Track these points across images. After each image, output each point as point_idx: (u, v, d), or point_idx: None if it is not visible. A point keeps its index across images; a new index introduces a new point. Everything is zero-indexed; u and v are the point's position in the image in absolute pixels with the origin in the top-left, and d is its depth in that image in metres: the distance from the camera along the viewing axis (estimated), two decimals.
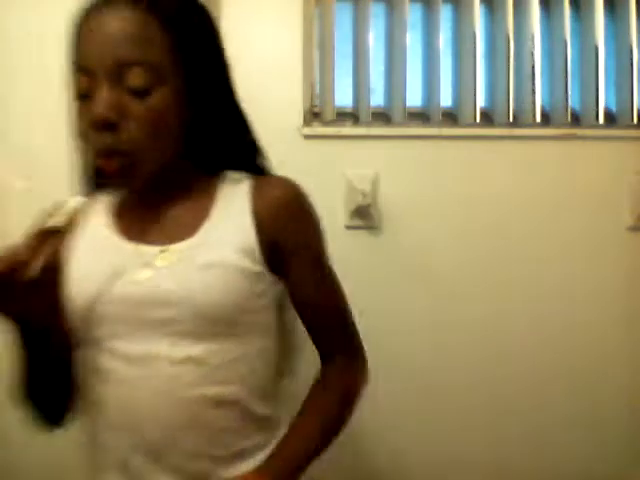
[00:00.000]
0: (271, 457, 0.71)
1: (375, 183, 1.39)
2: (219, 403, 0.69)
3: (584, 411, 1.43)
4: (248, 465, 0.71)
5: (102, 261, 0.72)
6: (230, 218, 0.73)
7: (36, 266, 0.60)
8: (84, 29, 0.68)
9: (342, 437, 1.37)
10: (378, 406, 1.39)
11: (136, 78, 0.65)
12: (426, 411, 1.41)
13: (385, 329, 1.39)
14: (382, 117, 1.46)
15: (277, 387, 0.79)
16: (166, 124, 0.68)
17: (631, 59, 1.46)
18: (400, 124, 1.42)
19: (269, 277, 0.74)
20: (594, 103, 1.45)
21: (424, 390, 1.40)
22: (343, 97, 1.45)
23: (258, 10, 1.38)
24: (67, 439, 1.28)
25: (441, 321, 1.41)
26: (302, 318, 0.80)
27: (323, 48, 1.41)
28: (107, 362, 0.70)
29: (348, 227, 1.39)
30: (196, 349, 0.68)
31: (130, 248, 0.73)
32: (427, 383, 1.40)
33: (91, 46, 0.66)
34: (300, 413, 0.76)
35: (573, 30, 1.46)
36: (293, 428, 0.74)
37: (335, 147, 1.39)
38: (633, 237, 1.44)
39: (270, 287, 0.75)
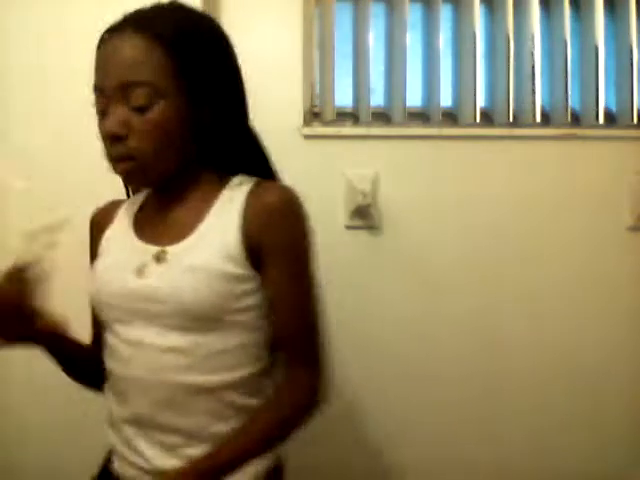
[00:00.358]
0: (203, 457, 0.75)
1: (375, 183, 1.39)
2: (197, 390, 0.76)
3: (583, 411, 1.43)
4: (205, 449, 0.77)
5: (118, 256, 0.83)
6: (221, 222, 0.78)
7: (11, 304, 0.74)
8: (100, 53, 0.77)
9: (340, 429, 1.38)
10: (384, 406, 1.39)
11: (138, 97, 0.74)
12: (427, 408, 1.41)
13: (385, 327, 1.40)
14: (382, 117, 1.46)
15: (264, 380, 0.82)
16: (167, 134, 0.76)
17: (631, 59, 1.46)
18: (400, 124, 1.42)
19: (254, 279, 0.78)
20: (594, 103, 1.45)
21: (423, 389, 1.40)
22: (343, 97, 1.45)
23: (258, 10, 1.38)
24: (64, 439, 1.28)
25: (441, 320, 1.41)
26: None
27: (323, 48, 1.41)
28: (115, 342, 0.81)
29: (348, 227, 1.39)
30: (180, 341, 0.76)
31: (140, 246, 0.81)
32: (427, 382, 1.40)
33: (103, 69, 0.76)
34: (249, 419, 0.78)
35: (573, 30, 1.46)
36: (235, 434, 0.77)
37: (335, 147, 1.39)
38: (633, 237, 1.44)
39: (257, 288, 0.79)
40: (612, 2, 1.50)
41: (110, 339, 0.82)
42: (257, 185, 0.81)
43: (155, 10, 0.78)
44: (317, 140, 1.39)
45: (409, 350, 1.40)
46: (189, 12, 0.81)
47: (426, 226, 1.41)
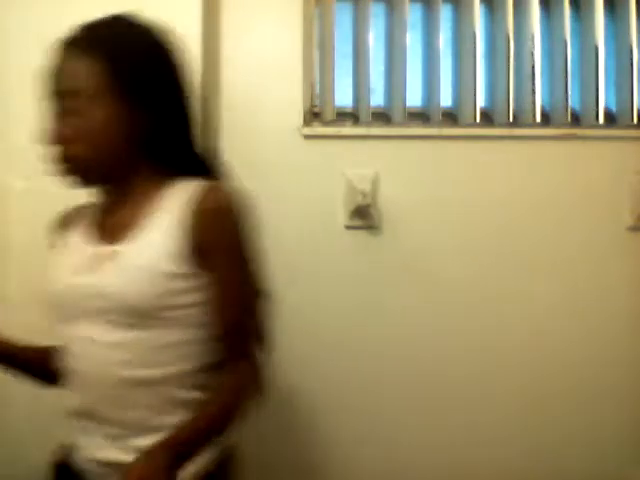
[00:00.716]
0: (157, 445, 0.77)
1: (375, 183, 1.39)
2: (140, 383, 0.80)
3: (583, 411, 1.43)
4: (151, 439, 0.79)
5: (70, 256, 0.88)
6: (164, 222, 0.82)
7: None
8: (50, 62, 0.83)
9: (339, 434, 1.38)
10: (376, 403, 1.40)
11: (72, 103, 0.80)
12: (424, 409, 1.41)
13: (383, 328, 1.40)
14: (382, 117, 1.46)
15: (211, 375, 0.85)
16: (102, 139, 0.82)
17: (631, 59, 1.46)
18: (400, 124, 1.42)
19: (197, 277, 0.82)
20: (594, 103, 1.45)
21: (423, 390, 1.40)
22: (343, 97, 1.45)
23: (258, 10, 1.38)
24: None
25: (440, 320, 1.41)
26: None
27: (323, 48, 1.41)
28: (65, 338, 0.85)
29: (348, 227, 1.39)
30: (123, 336, 0.80)
31: (90, 246, 0.86)
32: (426, 383, 1.40)
33: (50, 77, 0.83)
34: (198, 406, 0.83)
35: (573, 30, 1.46)
36: (182, 424, 0.81)
37: (335, 147, 1.39)
38: (633, 237, 1.44)
39: (199, 286, 0.83)
40: (612, 2, 1.50)
41: (62, 335, 0.86)
42: (200, 187, 0.85)
43: (100, 24, 0.84)
44: (317, 140, 1.39)
45: (408, 350, 1.40)
46: (133, 27, 0.85)
47: (426, 226, 1.41)
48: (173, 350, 0.82)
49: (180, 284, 0.80)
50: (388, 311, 1.40)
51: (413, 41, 1.44)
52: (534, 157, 1.43)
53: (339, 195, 1.39)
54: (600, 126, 1.46)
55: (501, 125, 1.45)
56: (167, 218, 0.82)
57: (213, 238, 0.82)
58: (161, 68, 0.86)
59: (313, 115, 1.42)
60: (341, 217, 1.39)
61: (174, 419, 0.81)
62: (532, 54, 1.43)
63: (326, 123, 1.40)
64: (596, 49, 1.45)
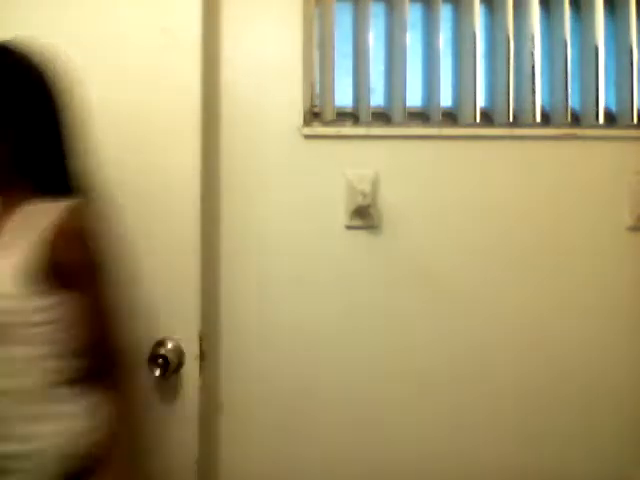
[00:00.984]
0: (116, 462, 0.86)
1: (375, 183, 1.39)
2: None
3: (583, 410, 1.43)
4: (10, 446, 0.85)
5: None
6: (27, 240, 0.84)
7: None
8: None
9: (344, 437, 1.37)
10: (377, 404, 1.40)
11: None
12: (425, 410, 1.41)
13: (383, 328, 1.40)
14: (382, 117, 1.46)
15: (70, 389, 0.88)
16: None
17: (631, 59, 1.46)
18: (400, 124, 1.42)
19: (52, 295, 0.85)
20: (594, 103, 1.45)
21: (423, 390, 1.40)
22: (343, 97, 1.45)
23: (258, 10, 1.38)
24: None
25: (440, 320, 1.41)
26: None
27: (323, 48, 1.41)
28: None
29: (348, 227, 1.40)
30: None
31: None
32: (426, 382, 1.40)
33: None
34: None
35: (573, 30, 1.46)
36: (112, 443, 0.89)
37: (335, 147, 1.40)
38: (633, 237, 1.44)
39: (55, 304, 0.85)
40: (612, 2, 1.50)
41: None
42: (64, 206, 0.87)
43: None
44: (317, 140, 1.39)
45: (408, 349, 1.40)
46: (12, 53, 0.89)
47: (426, 226, 1.41)
48: (27, 364, 0.85)
49: (33, 303, 0.83)
50: (388, 311, 1.40)
51: (413, 41, 1.44)
52: (534, 157, 1.43)
53: (339, 195, 1.39)
54: (600, 126, 1.46)
55: (501, 125, 1.45)
56: (29, 235, 0.84)
57: (74, 257, 0.85)
58: (34, 93, 0.89)
59: (313, 115, 1.42)
60: (341, 217, 1.40)
61: (36, 430, 0.85)
62: (532, 54, 1.43)
63: (326, 123, 1.41)
64: (596, 49, 1.45)
